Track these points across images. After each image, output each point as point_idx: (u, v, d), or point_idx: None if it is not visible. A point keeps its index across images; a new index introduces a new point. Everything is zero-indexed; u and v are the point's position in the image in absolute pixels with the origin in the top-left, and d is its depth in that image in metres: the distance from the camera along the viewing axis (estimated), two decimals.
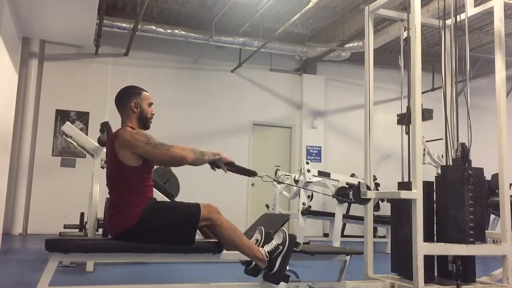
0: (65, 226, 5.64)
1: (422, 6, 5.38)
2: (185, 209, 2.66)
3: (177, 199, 5.32)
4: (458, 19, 3.58)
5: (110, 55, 9.00)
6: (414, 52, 3.18)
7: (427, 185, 3.25)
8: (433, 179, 3.37)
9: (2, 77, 5.27)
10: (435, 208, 3.30)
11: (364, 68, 3.67)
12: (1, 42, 5.03)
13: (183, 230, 2.61)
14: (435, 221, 3.28)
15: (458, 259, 3.18)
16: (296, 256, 2.95)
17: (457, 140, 3.45)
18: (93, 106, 8.67)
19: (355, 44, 8.93)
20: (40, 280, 2.42)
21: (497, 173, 3.44)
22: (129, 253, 2.64)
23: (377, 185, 7.54)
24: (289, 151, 10.14)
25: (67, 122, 5.22)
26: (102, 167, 4.72)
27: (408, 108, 3.29)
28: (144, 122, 2.78)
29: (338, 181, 6.36)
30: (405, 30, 3.68)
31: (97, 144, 4.59)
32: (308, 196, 6.09)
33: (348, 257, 3.22)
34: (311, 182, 5.95)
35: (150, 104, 2.82)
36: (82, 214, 5.50)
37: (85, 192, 6.45)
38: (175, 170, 6.56)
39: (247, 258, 2.77)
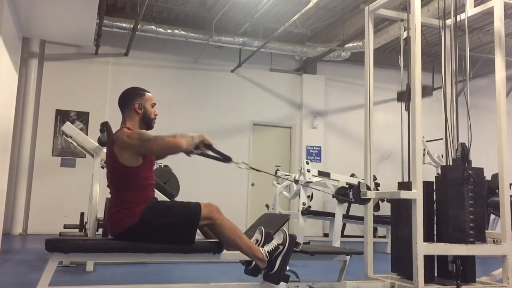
0: (65, 226, 5.64)
1: (422, 6, 5.37)
2: (185, 209, 2.66)
3: (177, 199, 5.32)
4: (458, 19, 3.58)
5: (110, 55, 9.00)
6: (414, 52, 3.18)
7: (427, 185, 3.25)
8: (433, 179, 3.37)
9: (2, 77, 5.27)
10: (435, 208, 3.30)
11: (364, 68, 3.67)
12: (1, 42, 5.03)
13: (183, 230, 2.62)
14: (435, 221, 3.28)
15: (458, 259, 3.18)
16: (296, 256, 2.96)
17: (457, 140, 3.45)
18: (93, 106, 8.67)
19: (355, 44, 8.93)
20: (40, 280, 2.42)
21: (497, 173, 3.44)
22: (129, 253, 2.64)
23: (377, 185, 7.54)
24: (289, 151, 10.14)
25: (67, 122, 5.22)
26: (102, 167, 4.72)
27: (408, 85, 3.28)
28: (148, 123, 2.79)
29: (338, 181, 6.36)
30: (405, 30, 3.68)
31: (97, 144, 4.59)
32: (308, 196, 6.09)
33: (348, 257, 3.23)
34: (311, 182, 5.95)
35: (153, 105, 2.83)
36: (82, 214, 5.50)
37: (85, 192, 6.45)
38: (175, 170, 6.57)
39: (247, 258, 2.77)
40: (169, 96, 9.03)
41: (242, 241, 2.70)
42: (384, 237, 7.66)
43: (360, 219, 6.81)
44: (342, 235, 7.05)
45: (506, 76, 3.53)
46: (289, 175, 7.47)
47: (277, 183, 7.68)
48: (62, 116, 8.52)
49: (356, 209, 7.77)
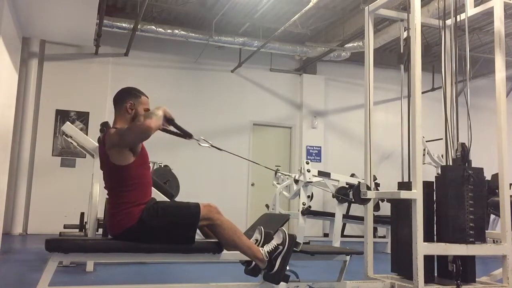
0: (65, 226, 5.64)
1: (422, 6, 5.38)
2: (185, 209, 2.66)
3: (177, 199, 5.32)
4: (458, 19, 3.58)
5: (110, 55, 9.00)
6: (414, 52, 3.18)
7: (427, 185, 3.25)
8: (433, 179, 3.37)
9: (2, 77, 5.27)
10: (435, 208, 3.30)
11: (364, 68, 3.67)
12: (1, 42, 5.03)
13: (183, 230, 2.62)
14: (435, 221, 3.28)
15: (458, 259, 3.18)
16: (296, 256, 2.96)
17: (457, 140, 3.45)
18: (93, 106, 8.67)
19: (355, 44, 8.93)
20: (40, 280, 2.42)
21: (497, 173, 3.44)
22: (129, 253, 2.64)
23: (377, 185, 7.54)
24: (289, 151, 10.14)
25: (67, 122, 5.23)
26: None
27: (407, 44, 3.27)
28: None
29: (338, 181, 6.36)
30: (405, 30, 3.68)
31: (97, 144, 4.59)
32: (308, 196, 6.09)
33: (348, 257, 3.23)
34: (311, 182, 5.95)
35: (146, 110, 2.76)
36: (82, 214, 5.51)
37: (85, 192, 6.45)
38: (175, 170, 6.58)
39: (247, 258, 2.77)
40: (169, 96, 9.02)
41: (241, 241, 2.70)
42: (384, 237, 7.66)
43: (360, 219, 6.81)
44: (342, 235, 7.05)
45: (506, 76, 3.54)
46: (289, 175, 7.46)
47: (277, 183, 7.68)
48: (62, 116, 8.52)
49: (356, 209, 7.77)
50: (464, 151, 3.37)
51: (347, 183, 6.30)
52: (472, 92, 3.61)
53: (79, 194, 7.50)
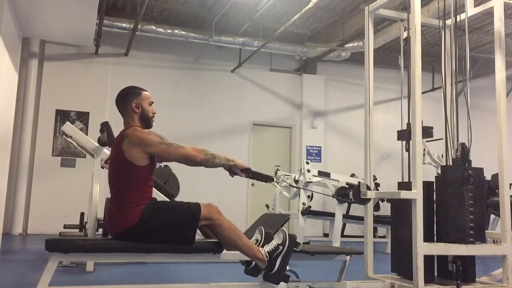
0: (65, 226, 5.64)
1: (422, 6, 5.37)
2: (185, 209, 2.66)
3: (177, 199, 5.31)
4: (458, 19, 3.58)
5: (110, 55, 9.00)
6: (414, 52, 3.19)
7: (427, 185, 3.25)
8: (433, 179, 3.37)
9: (2, 77, 5.27)
10: (435, 208, 3.30)
11: (364, 68, 3.67)
12: (1, 42, 5.03)
13: (183, 230, 2.62)
14: (435, 221, 3.28)
15: (458, 259, 3.18)
16: (296, 256, 2.96)
17: (457, 140, 3.45)
18: (93, 106, 8.67)
19: (355, 44, 8.93)
20: (40, 280, 2.42)
21: (497, 173, 3.44)
22: (129, 253, 2.64)
23: (377, 185, 7.55)
24: (289, 151, 10.14)
25: (67, 122, 5.22)
26: (102, 167, 4.72)
27: (408, 124, 3.29)
28: (146, 121, 2.79)
29: (338, 181, 6.36)
30: (405, 30, 3.68)
31: (97, 144, 4.59)
32: (308, 196, 6.09)
33: (348, 257, 3.23)
34: (311, 182, 5.95)
35: (151, 103, 2.83)
36: (82, 214, 5.50)
37: (85, 192, 6.45)
38: (175, 170, 6.57)
39: (247, 258, 2.77)
40: (169, 96, 9.04)
41: (241, 241, 2.70)
42: (384, 237, 7.66)
43: (360, 219, 6.81)
44: (342, 235, 7.05)
45: (506, 76, 3.54)
46: (289, 175, 7.46)
47: (277, 183, 7.68)
48: (62, 116, 8.52)
49: (356, 209, 7.78)
50: (464, 151, 3.37)
51: (347, 183, 6.30)
52: (472, 92, 3.60)
53: (79, 194, 7.51)
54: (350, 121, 10.22)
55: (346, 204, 7.83)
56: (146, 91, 2.85)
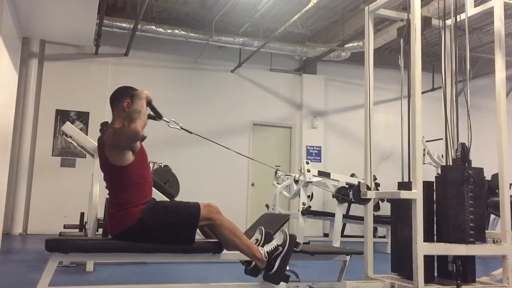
0: (65, 226, 5.64)
1: (422, 6, 5.37)
2: (185, 209, 2.66)
3: (177, 199, 5.32)
4: (458, 19, 3.58)
5: (110, 55, 9.00)
6: (414, 52, 3.18)
7: (427, 185, 3.25)
8: (433, 179, 3.37)
9: (2, 77, 5.27)
10: (435, 208, 3.30)
11: (364, 68, 3.67)
12: (1, 42, 5.03)
13: (183, 230, 2.61)
14: (435, 221, 3.28)
15: (458, 259, 3.18)
16: (296, 256, 2.96)
17: (457, 140, 3.45)
18: (93, 106, 8.67)
19: (355, 44, 8.93)
20: (40, 280, 2.42)
21: (497, 173, 3.44)
22: (129, 253, 2.64)
23: (377, 185, 7.54)
24: (289, 151, 10.14)
25: (67, 122, 5.22)
26: None
27: (408, 20, 3.26)
28: None
29: (338, 181, 6.35)
30: (405, 30, 3.68)
31: (97, 144, 4.58)
32: (308, 196, 6.09)
33: (348, 257, 3.23)
34: (311, 182, 5.95)
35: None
36: (82, 214, 5.50)
37: (85, 192, 6.45)
38: (175, 170, 6.57)
39: (247, 258, 2.77)
40: (169, 96, 9.02)
41: (241, 241, 2.70)
42: (384, 237, 7.66)
43: (360, 219, 6.81)
44: (342, 235, 7.04)
45: (506, 76, 3.53)
46: (289, 175, 7.46)
47: (277, 183, 7.68)
48: (62, 116, 8.52)
49: (356, 209, 7.77)
50: (464, 151, 3.37)
51: (347, 183, 6.29)
52: (472, 92, 3.61)
53: (79, 194, 7.50)
54: (350, 121, 10.22)
55: (346, 204, 7.82)
56: None
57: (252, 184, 9.61)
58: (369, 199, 3.36)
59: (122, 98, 2.75)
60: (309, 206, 5.93)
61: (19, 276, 4.14)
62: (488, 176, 4.81)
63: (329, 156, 10.08)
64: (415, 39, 3.18)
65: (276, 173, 7.73)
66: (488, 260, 4.31)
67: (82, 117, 8.66)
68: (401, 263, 3.30)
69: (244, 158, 9.36)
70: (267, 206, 7.52)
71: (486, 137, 6.81)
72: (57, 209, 8.04)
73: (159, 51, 9.28)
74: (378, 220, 6.41)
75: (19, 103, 7.93)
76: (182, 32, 8.58)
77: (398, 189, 3.33)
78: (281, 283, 2.76)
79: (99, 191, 4.53)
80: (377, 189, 6.70)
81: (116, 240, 2.61)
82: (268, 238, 2.84)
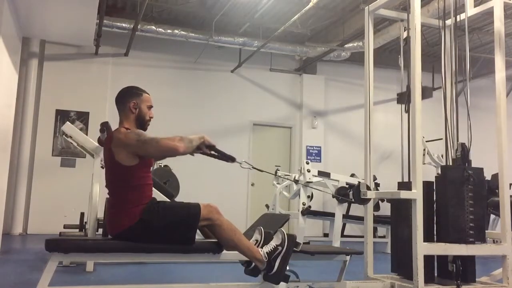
0: (65, 226, 5.64)
1: (422, 6, 5.37)
2: (185, 209, 2.66)
3: (177, 199, 5.32)
4: (458, 19, 3.58)
5: (110, 55, 9.00)
6: (414, 52, 3.18)
7: (427, 185, 3.25)
8: (433, 179, 3.37)
9: (2, 77, 5.27)
10: (435, 208, 3.30)
11: (364, 68, 3.67)
12: (1, 42, 5.03)
13: (183, 230, 2.61)
14: (435, 221, 3.28)
15: (458, 259, 3.18)
16: (296, 256, 2.95)
17: (457, 140, 3.45)
18: (93, 106, 8.67)
19: (355, 44, 8.93)
20: (40, 280, 2.42)
21: (497, 173, 3.43)
22: (129, 253, 2.64)
23: (377, 185, 7.54)
24: (289, 151, 10.14)
25: (67, 122, 5.22)
26: (102, 167, 4.70)
27: (408, 86, 3.28)
28: (142, 123, 2.77)
29: (338, 181, 6.36)
30: (405, 30, 3.68)
31: (97, 144, 4.59)
32: (308, 196, 6.09)
33: (348, 257, 3.22)
34: (311, 182, 5.95)
35: (150, 107, 2.81)
36: (82, 214, 5.50)
37: (85, 192, 6.45)
38: (175, 170, 6.57)
39: (246, 259, 2.77)
40: (169, 96, 9.03)
41: (241, 242, 2.70)
42: (384, 237, 7.66)
43: (360, 219, 6.80)
44: (342, 235, 7.04)
45: (506, 76, 3.53)
46: (289, 175, 7.46)
47: (277, 183, 7.68)
48: (62, 116, 8.52)
49: (356, 209, 7.77)
50: (464, 151, 3.37)
51: (347, 183, 6.30)
52: (472, 92, 3.60)
53: (79, 194, 7.51)
54: (350, 121, 10.22)
55: (346, 204, 7.82)
56: (148, 94, 2.84)
57: (252, 184, 9.61)
58: (369, 199, 3.36)
59: (128, 99, 2.76)
60: (309, 206, 5.93)
61: (19, 276, 4.14)
62: (488, 176, 4.81)
63: (329, 156, 10.08)
64: (415, 39, 3.18)
65: (276, 173, 7.73)
66: (488, 260, 4.31)
67: (82, 117, 8.66)
68: (401, 263, 3.30)
69: (244, 158, 9.34)
70: (267, 206, 7.52)
71: (486, 137, 6.81)
72: (57, 209, 8.05)
73: (159, 51, 9.28)
74: (378, 220, 6.41)
75: (19, 103, 7.93)
76: (182, 32, 8.58)
77: (398, 189, 3.32)
78: (281, 283, 2.76)
79: (99, 191, 4.53)
80: (377, 189, 6.71)
81: (116, 240, 2.61)
82: (267, 239, 2.83)
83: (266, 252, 2.75)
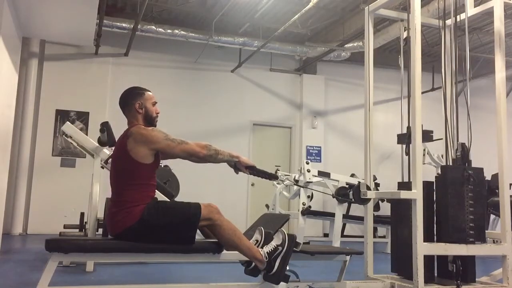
0: (65, 226, 5.63)
1: (422, 6, 5.38)
2: (185, 209, 2.66)
3: (177, 199, 5.31)
4: (458, 19, 3.58)
5: (110, 55, 9.00)
6: (414, 52, 3.19)
7: (427, 185, 3.25)
8: (433, 179, 3.37)
9: (2, 77, 5.27)
10: (435, 208, 3.30)
11: (364, 68, 3.67)
12: (1, 42, 5.03)
13: (183, 230, 2.62)
14: (435, 221, 3.28)
15: (458, 259, 3.18)
16: (296, 256, 2.96)
17: (457, 140, 3.45)
18: (93, 106, 8.67)
19: (355, 44, 8.93)
20: (40, 280, 2.42)
21: (497, 173, 3.44)
22: (129, 253, 2.64)
23: (377, 185, 7.54)
24: (289, 151, 10.14)
25: (67, 122, 5.22)
26: (102, 167, 4.72)
27: (408, 128, 3.29)
28: (150, 121, 2.80)
29: (338, 181, 6.36)
30: (405, 30, 3.68)
31: (97, 144, 4.58)
32: (308, 196, 6.09)
33: (348, 257, 3.23)
34: (311, 182, 5.95)
35: (154, 103, 2.84)
36: (82, 214, 5.50)
37: (85, 192, 6.45)
38: (175, 170, 6.57)
39: (246, 259, 2.77)
40: (169, 96, 9.03)
41: (241, 242, 2.70)
42: (384, 237, 7.66)
43: (360, 219, 6.80)
44: (342, 235, 7.04)
45: (506, 76, 3.54)
46: (289, 175, 7.46)
47: (277, 183, 7.68)
48: (62, 116, 8.52)
49: (356, 209, 7.77)
50: (464, 151, 3.37)
51: (347, 183, 6.30)
52: (472, 92, 3.61)
53: (79, 194, 7.51)
54: (350, 121, 10.22)
55: (346, 204, 7.82)
56: (149, 91, 2.86)
57: (252, 184, 9.61)
58: (369, 199, 3.37)
59: (132, 100, 2.78)
60: (309, 206, 5.94)
61: (19, 276, 4.14)
62: (488, 176, 4.81)
63: (329, 156, 10.08)
64: (415, 39, 3.18)
65: (276, 173, 7.72)
66: (488, 260, 4.31)
67: (82, 117, 8.66)
68: (401, 263, 3.30)
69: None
70: (267, 206, 7.52)
71: (486, 137, 6.82)
72: (57, 209, 8.05)
73: (159, 51, 9.28)
74: (378, 220, 6.41)
75: (19, 103, 7.93)
76: (182, 32, 8.58)
77: (398, 189, 3.32)
78: (281, 283, 2.76)
79: (99, 191, 4.54)
80: (377, 189, 6.71)
81: (116, 240, 2.61)
82: (268, 239, 2.84)
83: (267, 252, 2.75)
